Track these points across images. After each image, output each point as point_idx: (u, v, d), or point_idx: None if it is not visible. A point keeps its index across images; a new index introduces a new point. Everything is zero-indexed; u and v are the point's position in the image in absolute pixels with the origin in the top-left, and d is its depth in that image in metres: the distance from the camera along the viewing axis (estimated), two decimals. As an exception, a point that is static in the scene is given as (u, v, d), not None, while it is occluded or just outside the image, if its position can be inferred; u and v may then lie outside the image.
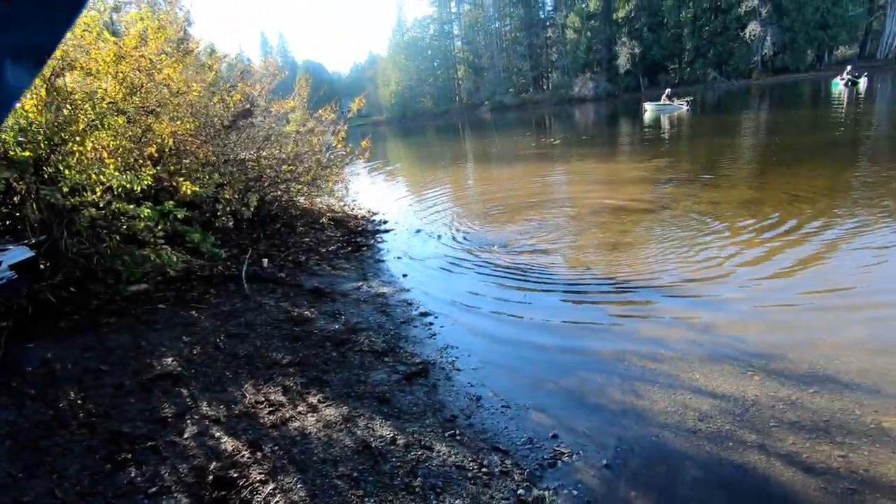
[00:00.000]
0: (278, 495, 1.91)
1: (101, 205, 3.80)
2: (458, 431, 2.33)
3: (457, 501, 1.88)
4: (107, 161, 4.04)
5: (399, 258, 5.36)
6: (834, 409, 2.25)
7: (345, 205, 7.60)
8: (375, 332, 3.43)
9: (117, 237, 3.91)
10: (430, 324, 3.61)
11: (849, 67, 26.23)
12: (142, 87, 4.21)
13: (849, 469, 1.91)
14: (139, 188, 3.91)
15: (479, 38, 79.57)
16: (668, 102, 22.93)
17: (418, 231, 6.48)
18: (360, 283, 4.49)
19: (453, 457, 2.14)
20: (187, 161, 4.75)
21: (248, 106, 5.77)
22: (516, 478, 2.02)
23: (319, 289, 4.30)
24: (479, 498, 1.90)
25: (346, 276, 4.75)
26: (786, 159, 8.73)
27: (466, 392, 2.69)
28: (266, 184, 5.80)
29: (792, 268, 3.91)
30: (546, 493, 1.93)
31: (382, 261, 5.31)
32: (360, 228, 6.68)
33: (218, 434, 2.30)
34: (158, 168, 4.38)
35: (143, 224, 3.93)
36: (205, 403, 2.56)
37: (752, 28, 46.75)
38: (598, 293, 3.88)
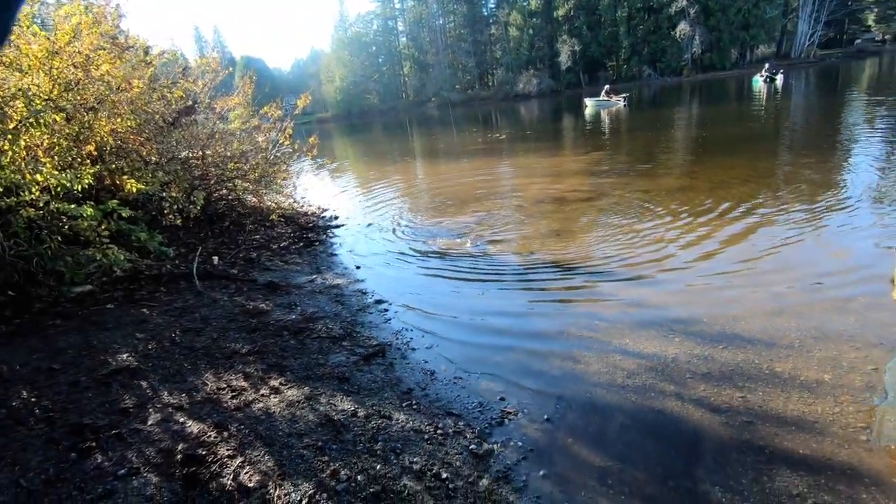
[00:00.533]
0: (247, 467, 2.03)
1: (40, 205, 3.70)
2: (414, 401, 2.52)
3: (415, 459, 2.07)
4: (42, 160, 3.93)
5: (351, 251, 5.47)
6: (738, 360, 2.61)
7: (294, 202, 7.59)
8: (332, 320, 3.56)
9: (58, 238, 3.82)
10: (385, 310, 3.78)
11: (767, 65, 28.35)
12: (78, 83, 4.11)
13: (747, 407, 2.25)
14: (79, 187, 3.84)
15: (423, 34, 79.50)
16: (606, 98, 23.96)
17: (370, 225, 6.60)
18: (315, 276, 4.58)
19: (411, 423, 2.33)
20: (129, 159, 4.65)
21: (190, 103, 5.68)
22: (468, 436, 2.23)
23: (273, 283, 4.36)
24: (435, 455, 2.10)
25: (299, 270, 4.82)
26: (713, 150, 9.47)
27: (421, 368, 2.89)
28: (212, 181, 5.74)
29: (715, 249, 4.34)
30: (495, 445, 2.16)
31: (335, 254, 5.41)
32: (310, 224, 6.71)
33: (182, 419, 2.38)
34: (99, 166, 4.28)
35: (86, 224, 3.85)
36: (166, 393, 2.62)
37: (682, 28, 49.41)
38: (543, 277, 4.17)
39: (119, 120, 4.53)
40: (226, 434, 2.24)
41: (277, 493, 1.90)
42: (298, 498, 1.86)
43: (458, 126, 26.64)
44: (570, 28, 61.95)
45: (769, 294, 3.37)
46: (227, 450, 2.14)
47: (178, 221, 4.95)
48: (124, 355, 3.02)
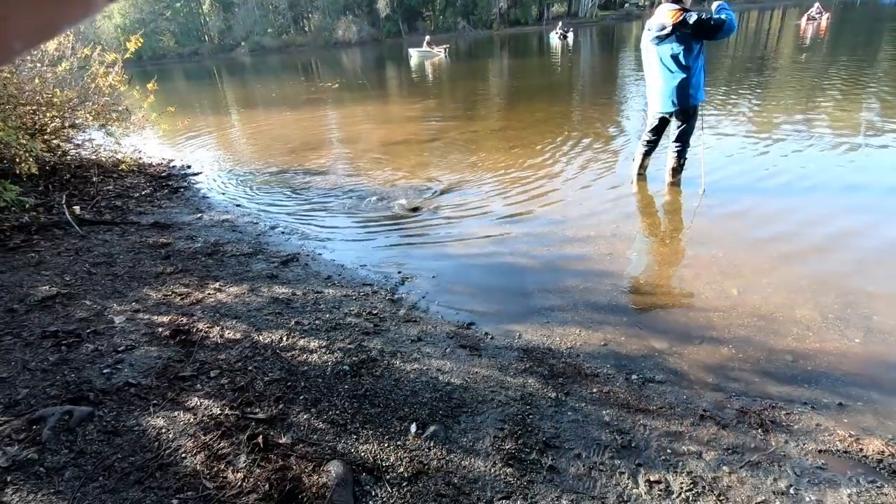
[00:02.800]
0: (227, 330, 2.73)
1: None
2: (335, 281, 3.39)
3: (352, 307, 2.99)
4: None
5: (223, 194, 5.78)
6: (542, 232, 4.02)
7: (134, 153, 7.25)
8: (237, 244, 4.12)
9: None
10: (282, 232, 4.44)
11: (560, 24, 32.51)
12: None
13: (551, 253, 3.64)
14: None
15: (222, -35, 70.51)
16: (429, 49, 25.26)
17: (230, 171, 6.81)
18: (199, 215, 4.92)
19: (339, 293, 3.21)
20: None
21: None
22: (382, 294, 3.22)
23: (159, 222, 4.62)
24: (364, 304, 3.04)
25: (178, 212, 5.06)
26: (523, 97, 11.34)
27: (332, 263, 3.74)
28: (48, 131, 5.39)
29: (526, 174, 5.82)
30: (403, 294, 3.18)
31: (208, 197, 5.67)
32: (164, 174, 6.63)
33: (147, 317, 2.89)
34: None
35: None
36: (115, 305, 3.04)
37: (489, -17, 52.74)
38: (402, 198, 5.19)
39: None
40: (195, 318, 2.86)
41: (259, 338, 2.66)
42: (280, 337, 2.65)
43: (279, 75, 25.45)
44: (385, -26, 61.09)
45: (564, 192, 4.90)
46: (204, 325, 2.78)
47: (35, 170, 4.71)
48: (45, 287, 3.24)
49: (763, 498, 1.64)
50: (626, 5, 59.95)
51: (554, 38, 30.58)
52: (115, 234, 4.34)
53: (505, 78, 16.03)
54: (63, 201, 4.77)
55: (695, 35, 4.07)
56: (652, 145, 4.86)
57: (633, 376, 2.30)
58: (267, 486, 1.70)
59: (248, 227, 4.56)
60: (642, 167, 5.02)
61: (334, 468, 1.75)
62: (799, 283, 2.97)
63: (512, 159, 6.15)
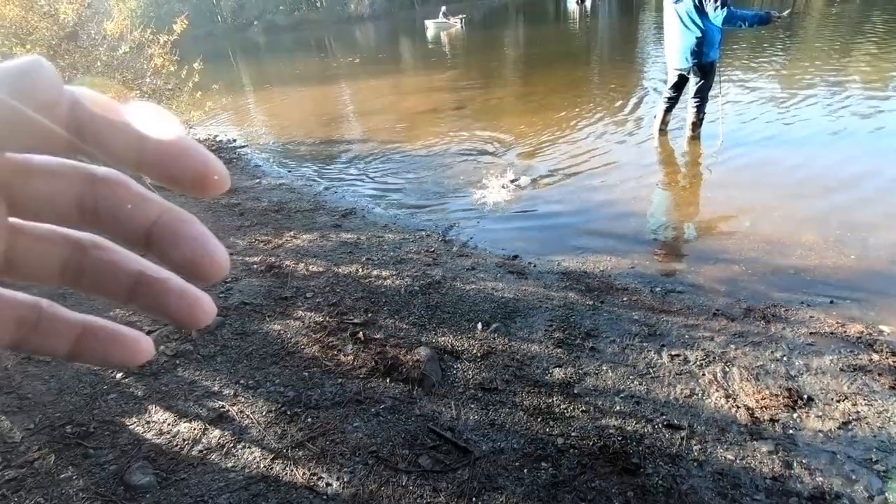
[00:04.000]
0: (311, 266, 3.25)
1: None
2: (392, 228, 3.89)
3: (411, 247, 3.48)
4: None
5: (273, 162, 6.30)
6: (572, 183, 4.42)
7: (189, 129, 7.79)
8: (298, 202, 4.63)
9: None
10: (335, 192, 4.94)
11: (577, -12, 31.81)
12: None
13: (583, 200, 4.06)
14: None
15: (233, -56, 70.02)
16: (445, 20, 25.17)
17: (274, 143, 7.32)
18: (258, 180, 5.45)
19: (398, 236, 3.71)
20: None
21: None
22: (435, 236, 3.70)
23: (225, 187, 5.15)
24: (421, 244, 3.53)
25: (238, 178, 5.59)
26: (543, 64, 11.53)
27: (387, 215, 4.23)
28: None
29: (553, 135, 6.16)
30: (454, 237, 3.66)
31: (260, 165, 6.20)
32: (214, 148, 7.17)
33: (240, 258, 3.43)
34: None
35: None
36: (210, 250, 3.58)
37: (503, -52, 51.22)
38: (448, 159, 5.62)
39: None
40: (280, 258, 3.39)
41: (338, 270, 3.17)
42: (356, 269, 3.16)
43: (294, 53, 25.74)
44: (397, -57, 59.61)
45: (590, 148, 5.27)
46: (290, 262, 3.31)
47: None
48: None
49: (761, 363, 2.09)
50: (646, -35, 57.97)
51: (571, 3, 30.03)
52: (183, 198, 4.88)
53: (523, 46, 16.11)
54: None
55: None
56: (672, 101, 5.17)
57: (657, 288, 2.75)
58: (372, 363, 2.22)
59: (304, 189, 5.07)
60: (664, 123, 5.34)
61: (423, 350, 2.26)
62: (806, 216, 3.35)
63: (540, 122, 6.50)
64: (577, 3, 29.44)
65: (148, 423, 1.96)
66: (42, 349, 0.20)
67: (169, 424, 1.94)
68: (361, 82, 12.97)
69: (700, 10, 4.42)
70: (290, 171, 5.80)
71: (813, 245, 3.00)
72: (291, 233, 3.86)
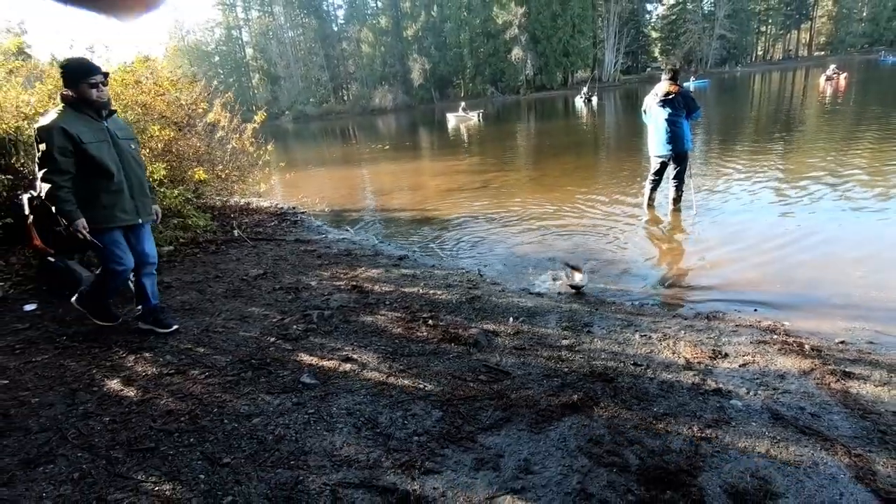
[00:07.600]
0: (384, 288, 4.42)
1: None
2: (439, 268, 5.09)
3: (455, 279, 4.65)
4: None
5: (331, 224, 7.68)
6: (575, 239, 5.66)
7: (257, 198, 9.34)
8: (361, 250, 5.90)
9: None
10: (389, 244, 6.21)
11: (584, 89, 35.16)
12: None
13: (584, 251, 5.27)
14: (157, 176, 5.62)
15: (272, 46, 78.08)
16: (464, 114, 28.07)
17: (330, 210, 8.78)
18: (323, 235, 6.78)
19: (444, 272, 4.90)
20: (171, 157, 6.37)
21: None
22: (472, 273, 4.88)
23: (300, 238, 6.48)
24: (462, 277, 4.70)
25: (306, 234, 6.93)
26: (554, 153, 13.28)
27: (431, 261, 5.45)
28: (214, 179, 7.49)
29: (561, 207, 7.52)
30: (485, 274, 4.85)
31: (322, 225, 7.58)
32: (280, 212, 8.64)
33: (328, 283, 4.62)
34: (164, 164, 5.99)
35: (175, 200, 5.63)
36: (304, 278, 4.79)
37: (516, 52, 56.92)
38: (472, 225, 6.94)
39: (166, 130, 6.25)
40: (358, 282, 4.57)
41: (404, 290, 4.34)
42: (417, 289, 4.33)
43: (324, 140, 28.55)
44: (419, 47, 66.13)
45: (590, 216, 6.55)
46: (367, 285, 4.49)
47: (219, 203, 6.71)
48: (253, 270, 5.05)
49: (700, 339, 3.17)
50: (648, 69, 63.54)
51: (579, 102, 33.18)
52: (271, 245, 6.20)
53: (535, 137, 18.18)
54: (234, 225, 6.72)
55: (683, 103, 5.87)
56: (656, 183, 6.54)
57: (636, 302, 3.88)
58: (440, 335, 3.33)
59: (363, 242, 6.37)
60: (650, 199, 6.67)
61: (474, 328, 3.38)
62: (753, 259, 4.51)
63: (549, 199, 7.90)
64: (585, 101, 32.65)
65: (300, 360, 3.07)
66: None
67: (315, 360, 3.05)
68: (393, 164, 14.81)
69: (680, 110, 5.92)
70: (347, 230, 7.14)
71: (752, 277, 4.14)
72: (362, 268, 5.08)
